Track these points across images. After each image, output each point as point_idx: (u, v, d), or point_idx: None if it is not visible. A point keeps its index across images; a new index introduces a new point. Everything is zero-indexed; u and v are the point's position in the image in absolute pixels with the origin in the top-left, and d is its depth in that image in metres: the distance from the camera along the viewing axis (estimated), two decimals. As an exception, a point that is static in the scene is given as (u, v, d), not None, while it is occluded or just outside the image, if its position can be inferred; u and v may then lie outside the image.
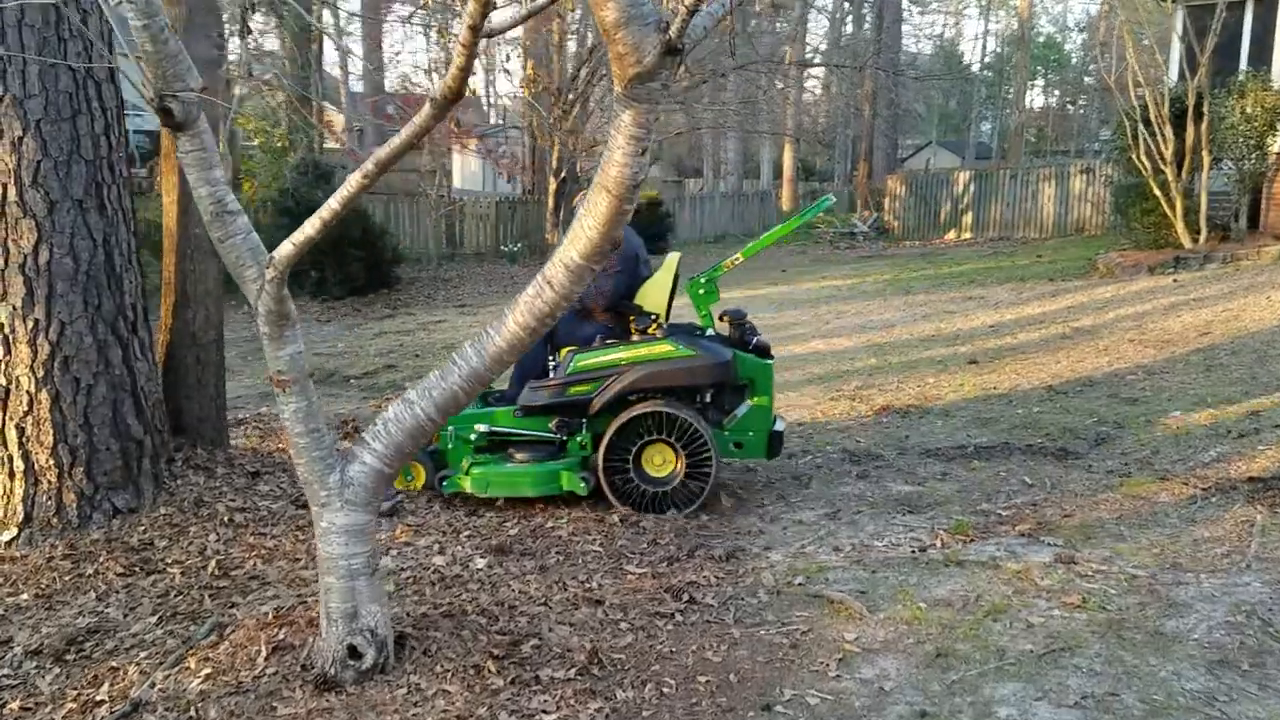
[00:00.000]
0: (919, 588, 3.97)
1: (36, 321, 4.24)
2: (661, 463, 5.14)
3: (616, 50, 2.67)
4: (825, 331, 10.53)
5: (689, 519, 4.90)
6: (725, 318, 5.61)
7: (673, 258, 5.65)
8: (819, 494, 5.31)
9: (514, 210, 21.36)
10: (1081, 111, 54.07)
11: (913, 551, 4.37)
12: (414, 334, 12.27)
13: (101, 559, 4.12)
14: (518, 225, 21.05)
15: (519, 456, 5.12)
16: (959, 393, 7.37)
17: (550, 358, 5.33)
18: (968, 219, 22.40)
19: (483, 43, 2.85)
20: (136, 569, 4.08)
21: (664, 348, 5.11)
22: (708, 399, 5.30)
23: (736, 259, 5.65)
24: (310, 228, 3.12)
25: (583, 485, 5.01)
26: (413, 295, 15.62)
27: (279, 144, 16.94)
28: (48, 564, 4.11)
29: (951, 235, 22.47)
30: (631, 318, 5.30)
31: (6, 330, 4.21)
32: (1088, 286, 12.01)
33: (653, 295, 5.40)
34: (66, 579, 4.01)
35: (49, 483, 4.29)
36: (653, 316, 5.32)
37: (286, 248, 3.16)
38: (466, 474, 5.06)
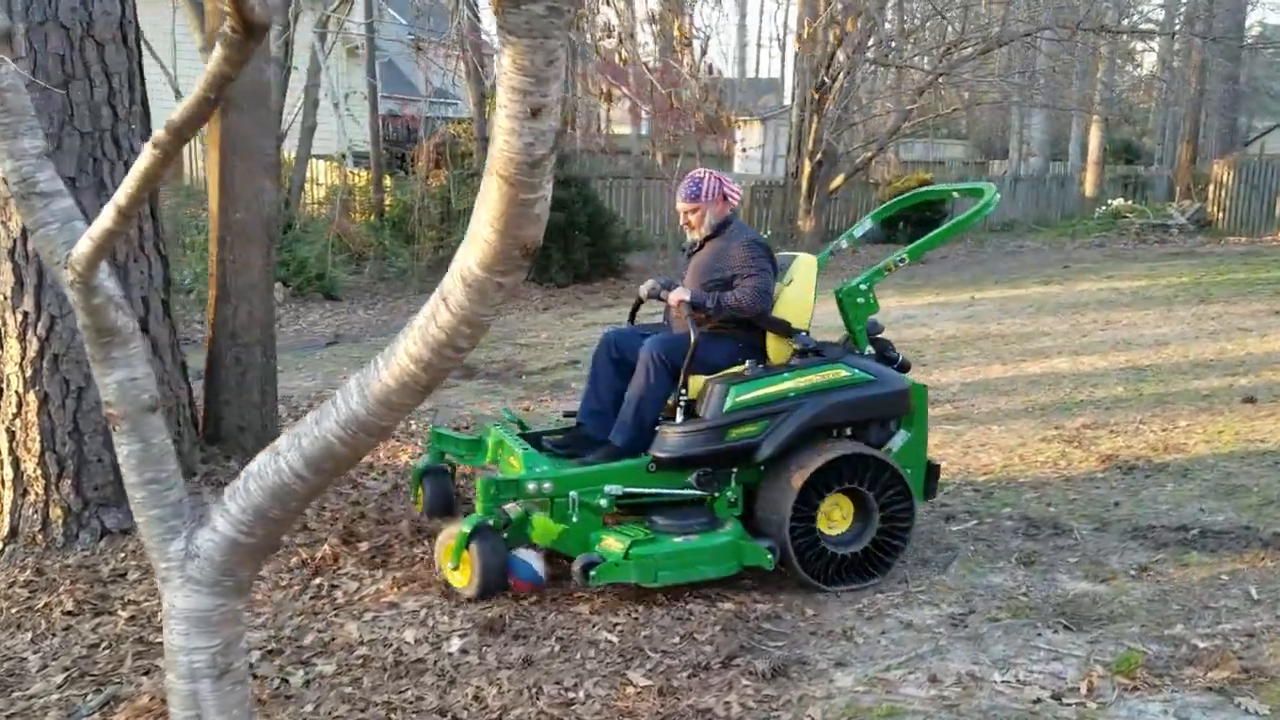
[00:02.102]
0: (1020, 764, 2.71)
1: (26, 314, 3.86)
2: (841, 519, 4.11)
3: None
4: (1077, 347, 8.77)
5: (748, 609, 3.81)
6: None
7: (808, 261, 4.51)
8: (955, 583, 4.03)
9: (769, 195, 20.28)
10: None
11: (1036, 700, 3.06)
12: (620, 328, 11.63)
13: (60, 590, 3.68)
14: (773, 211, 19.95)
15: (663, 524, 3.93)
16: (1213, 443, 5.64)
17: (680, 390, 4.13)
18: (1310, 213, 18.81)
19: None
20: (87, 607, 3.60)
21: (838, 373, 4.17)
22: (848, 433, 4.24)
23: (902, 259, 4.56)
24: (107, 219, 2.38)
25: (769, 558, 3.90)
26: (641, 286, 15.03)
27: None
28: (7, 589, 3.73)
29: (1289, 231, 18.98)
30: (786, 338, 4.25)
31: (-3, 322, 3.87)
32: None
33: (795, 307, 4.34)
34: (14, 611, 3.60)
35: (36, 494, 3.92)
36: (806, 333, 4.28)
37: (84, 244, 2.44)
38: (626, 558, 3.74)
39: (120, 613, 3.57)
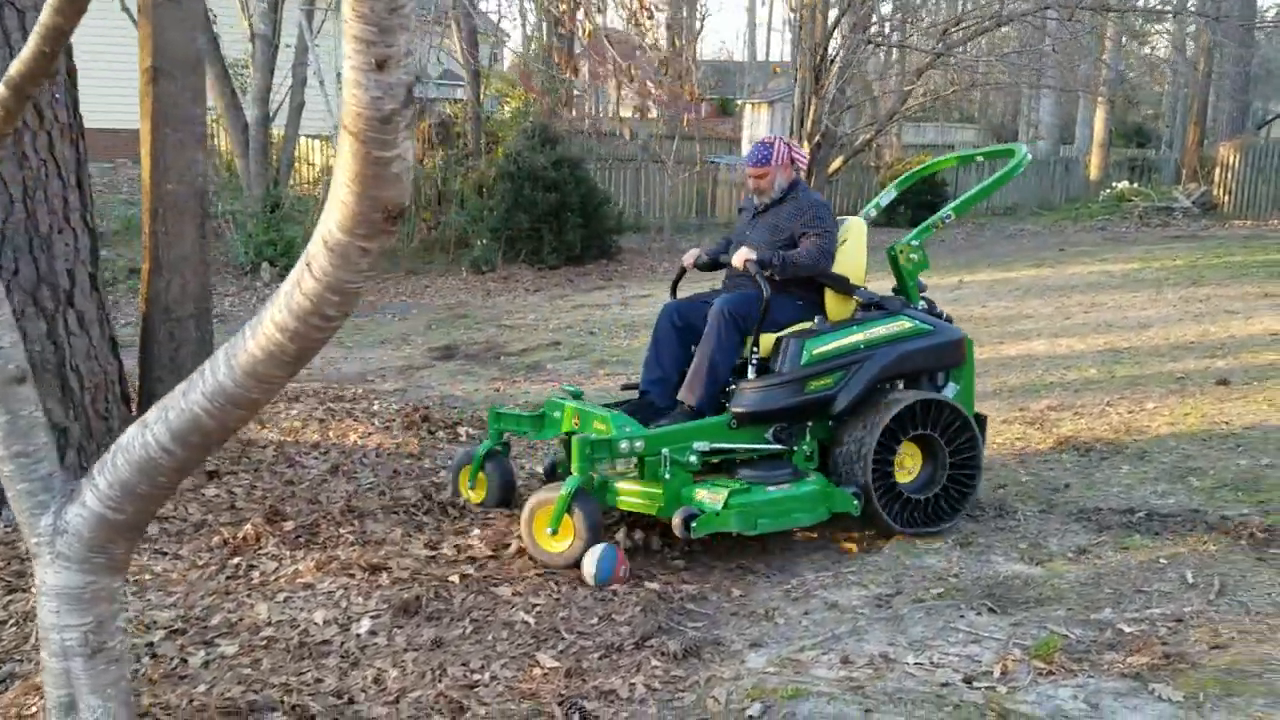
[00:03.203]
0: (916, 749, 2.64)
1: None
2: (911, 465, 4.30)
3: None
4: (1059, 329, 8.65)
5: (674, 590, 3.75)
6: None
7: (858, 224, 4.73)
8: (888, 564, 3.95)
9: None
10: None
11: (945, 684, 2.98)
12: (609, 309, 11.56)
13: (-23, 567, 3.64)
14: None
15: (751, 476, 4.01)
16: (1177, 426, 5.53)
17: (753, 348, 4.28)
18: (1317, 196, 18.54)
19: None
20: (1, 585, 3.57)
21: (903, 325, 4.39)
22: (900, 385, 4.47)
23: (949, 215, 4.85)
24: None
25: (855, 504, 4.05)
26: (633, 267, 14.93)
27: (518, 105, 16.83)
28: (-76, 565, 3.69)
29: (1295, 214, 18.73)
30: (846, 294, 4.45)
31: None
32: None
33: (851, 265, 4.55)
34: (-72, 587, 3.57)
35: (-44, 472, 3.87)
36: (863, 288, 4.50)
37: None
38: (726, 507, 3.79)
39: (34, 590, 3.52)
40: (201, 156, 4.53)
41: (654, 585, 3.77)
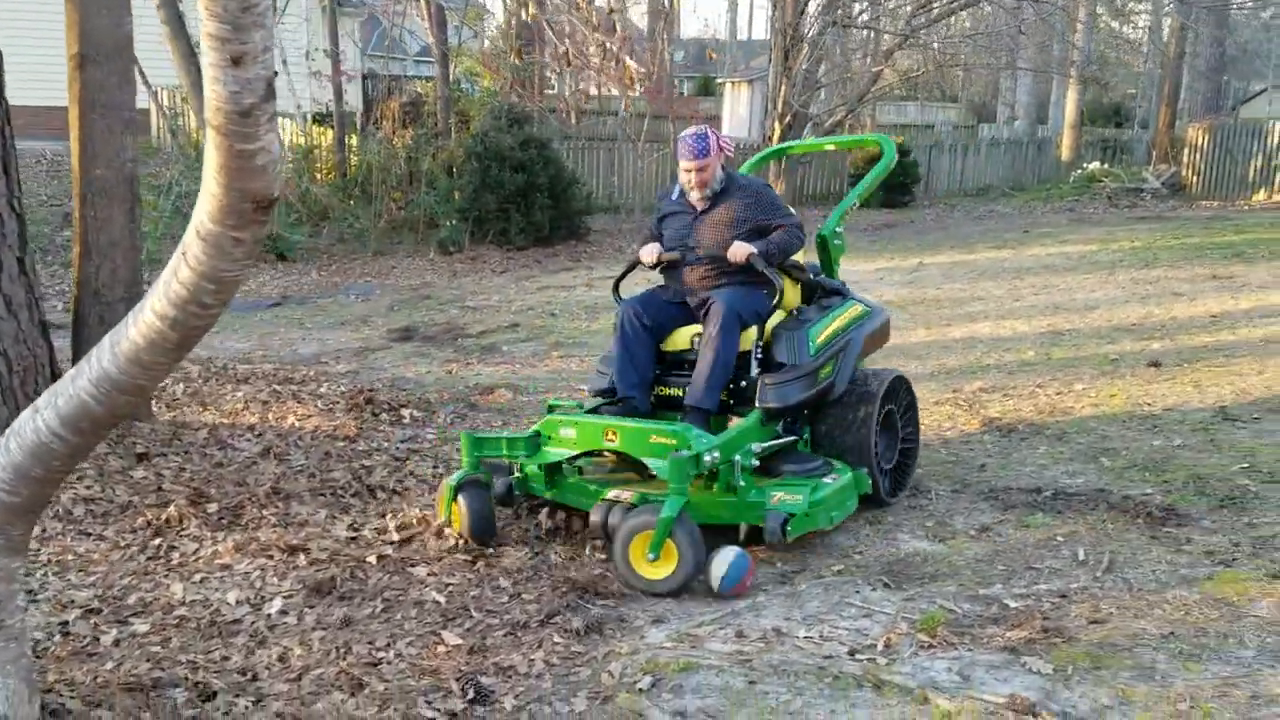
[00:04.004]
0: (789, 719, 2.76)
1: None
2: (882, 442, 4.41)
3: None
4: (1006, 311, 8.78)
5: (589, 570, 3.85)
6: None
7: None
8: (797, 542, 4.05)
9: (746, 157, 20.16)
10: None
11: (829, 656, 3.11)
12: (574, 290, 11.62)
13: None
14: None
15: (793, 470, 4.01)
16: (1100, 407, 5.66)
17: (757, 343, 4.22)
18: (1282, 177, 18.71)
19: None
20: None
21: (858, 308, 4.53)
22: None
23: (854, 203, 5.01)
24: None
25: (869, 484, 4.18)
26: (602, 248, 14.98)
27: (489, 85, 16.79)
28: None
29: (1261, 195, 18.89)
30: (802, 281, 4.52)
31: None
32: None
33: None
34: None
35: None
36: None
37: None
38: (812, 506, 3.75)
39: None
40: (131, 141, 4.58)
41: (569, 566, 3.87)
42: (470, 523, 3.93)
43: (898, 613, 3.39)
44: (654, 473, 3.90)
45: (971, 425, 5.50)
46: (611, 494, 3.90)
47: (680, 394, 4.27)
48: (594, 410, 4.33)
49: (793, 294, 4.48)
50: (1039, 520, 4.10)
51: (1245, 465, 4.47)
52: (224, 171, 2.21)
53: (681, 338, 4.35)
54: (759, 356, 4.21)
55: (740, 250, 4.22)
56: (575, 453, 4.08)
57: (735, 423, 4.09)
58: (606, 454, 4.27)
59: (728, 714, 2.83)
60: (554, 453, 4.08)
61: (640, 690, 2.96)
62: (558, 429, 4.09)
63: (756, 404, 4.11)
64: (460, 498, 3.94)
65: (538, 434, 4.12)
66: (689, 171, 4.32)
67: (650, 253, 4.44)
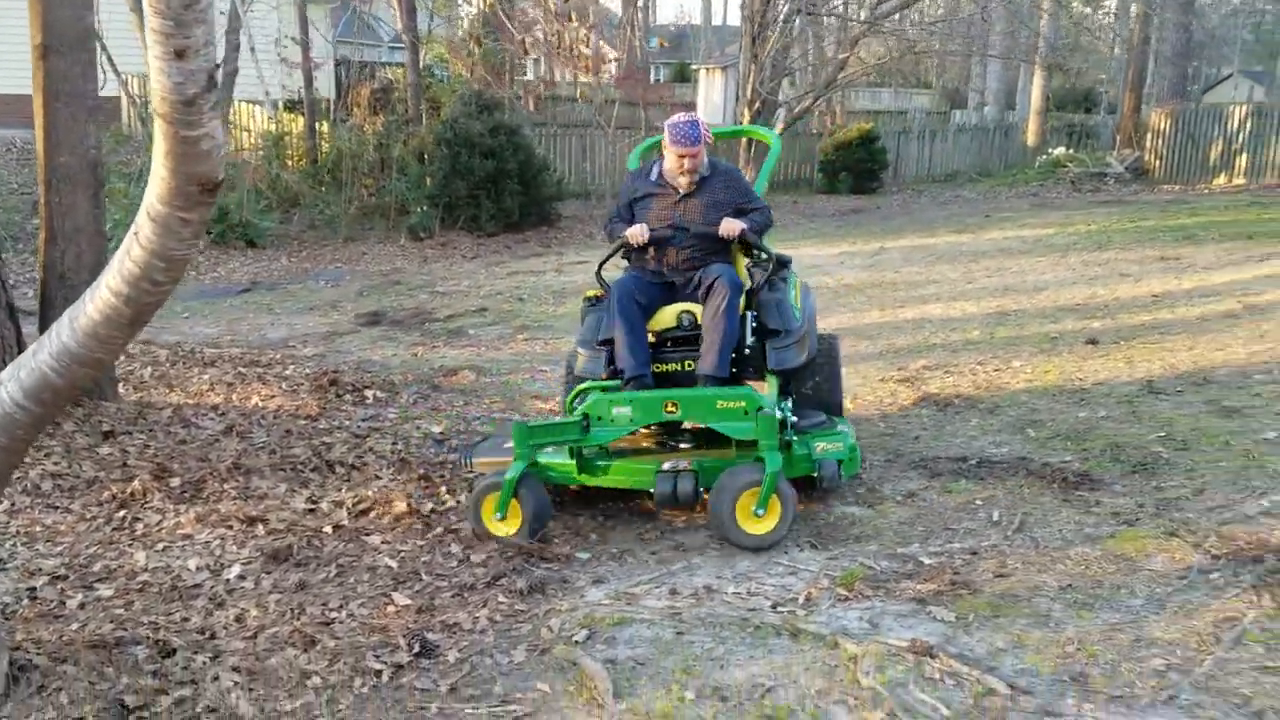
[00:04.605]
0: (712, 665, 2.99)
1: None
2: None
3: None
4: (958, 293, 9.03)
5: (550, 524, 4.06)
6: None
7: None
8: (735, 508, 4.29)
9: (717, 144, 20.32)
10: None
11: (753, 609, 3.33)
12: (543, 276, 11.80)
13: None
14: (723, 159, 20.00)
15: (808, 425, 4.33)
16: (1034, 383, 5.91)
17: (753, 312, 4.45)
18: (1242, 162, 19.06)
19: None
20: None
21: (799, 280, 4.78)
22: None
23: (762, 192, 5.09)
24: None
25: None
26: (572, 234, 15.16)
27: (460, 72, 16.89)
28: None
29: (1221, 180, 19.24)
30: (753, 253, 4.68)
31: None
32: (1324, 249, 9.66)
33: None
34: None
35: None
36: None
37: None
38: (851, 451, 4.17)
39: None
40: (94, 129, 4.74)
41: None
42: (533, 517, 3.96)
43: (821, 570, 3.62)
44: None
45: (911, 400, 5.74)
46: (668, 464, 4.05)
47: (674, 369, 4.42)
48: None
49: (740, 267, 4.69)
50: (962, 486, 4.34)
51: (1162, 434, 4.73)
52: (170, 157, 2.41)
53: (667, 315, 4.49)
54: (754, 325, 4.42)
55: (734, 226, 4.46)
56: (633, 430, 4.21)
57: (764, 387, 4.31)
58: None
59: (655, 661, 3.05)
60: (607, 433, 4.12)
61: (576, 642, 3.17)
62: (610, 408, 4.09)
63: (770, 368, 4.33)
64: (522, 492, 3.95)
65: (586, 416, 4.10)
66: (683, 157, 4.47)
67: (640, 233, 4.52)
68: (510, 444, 4.14)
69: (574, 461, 4.17)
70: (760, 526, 3.85)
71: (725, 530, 3.87)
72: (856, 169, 20.33)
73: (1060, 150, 22.73)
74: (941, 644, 2.99)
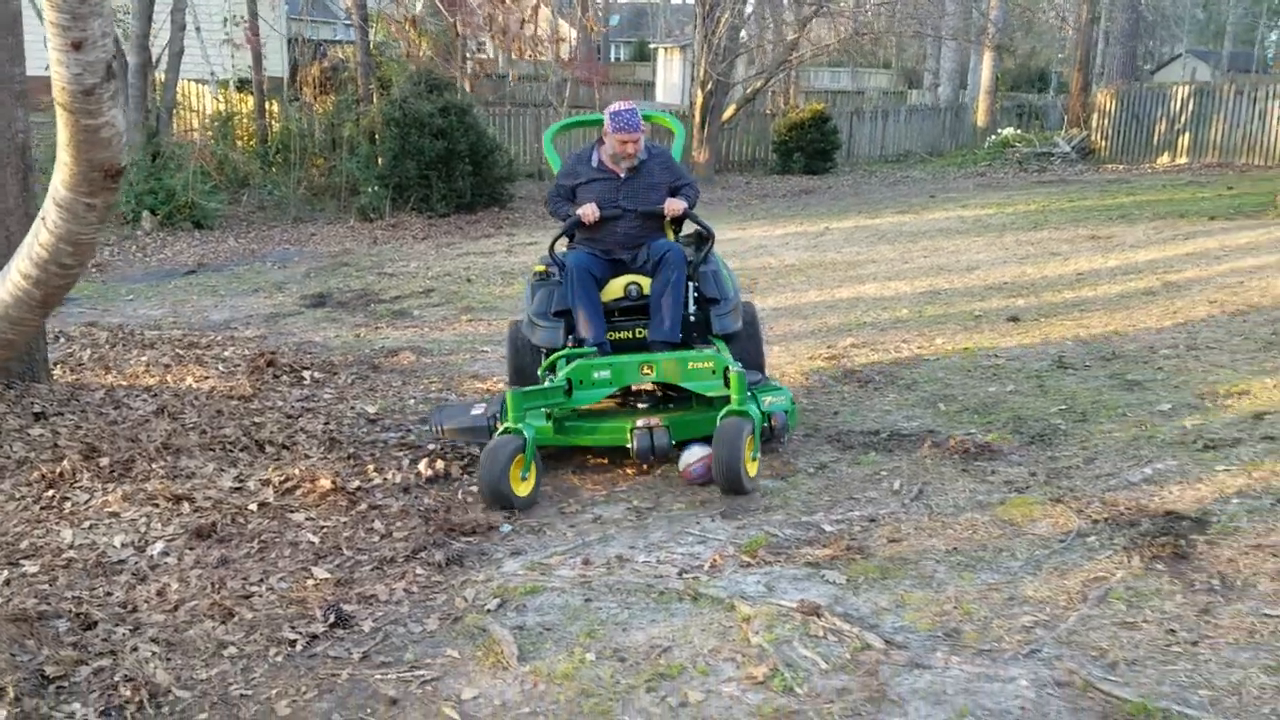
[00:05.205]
0: (615, 629, 3.15)
1: None
2: None
3: None
4: (894, 273, 9.24)
5: (463, 512, 4.19)
6: None
7: None
8: (655, 482, 4.45)
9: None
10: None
11: (659, 575, 3.49)
12: (493, 257, 11.87)
13: None
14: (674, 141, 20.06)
15: (753, 381, 4.65)
16: (953, 359, 6.11)
17: (694, 282, 4.88)
18: (1184, 141, 19.46)
19: None
20: None
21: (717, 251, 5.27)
22: None
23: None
24: None
25: None
26: (525, 215, 15.21)
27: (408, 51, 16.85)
28: None
29: (1165, 159, 19.64)
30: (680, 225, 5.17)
31: None
32: (1242, 229, 9.96)
33: None
34: None
35: None
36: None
37: None
38: (792, 403, 4.66)
39: None
40: (22, 113, 4.78)
41: (445, 508, 4.20)
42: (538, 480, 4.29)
43: (729, 539, 3.79)
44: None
45: (835, 377, 5.92)
46: (641, 422, 4.42)
47: (625, 336, 4.87)
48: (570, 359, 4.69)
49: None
50: (871, 458, 4.53)
51: (1063, 407, 4.95)
52: (73, 145, 2.51)
53: (616, 287, 4.90)
54: (696, 295, 4.85)
55: (678, 205, 4.90)
56: (612, 391, 4.59)
57: (719, 350, 4.73)
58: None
59: (563, 626, 3.20)
60: (587, 396, 4.51)
61: (487, 611, 3.32)
62: (590, 372, 4.50)
63: (714, 333, 4.83)
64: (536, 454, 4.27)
65: (569, 380, 4.48)
66: (625, 143, 4.87)
67: (592, 212, 4.86)
68: (476, 410, 4.67)
69: (550, 425, 4.55)
70: (754, 470, 4.28)
71: (735, 479, 4.13)
72: (809, 149, 20.51)
73: (1009, 130, 23.06)
74: (830, 604, 3.17)
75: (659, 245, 4.85)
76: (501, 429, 4.30)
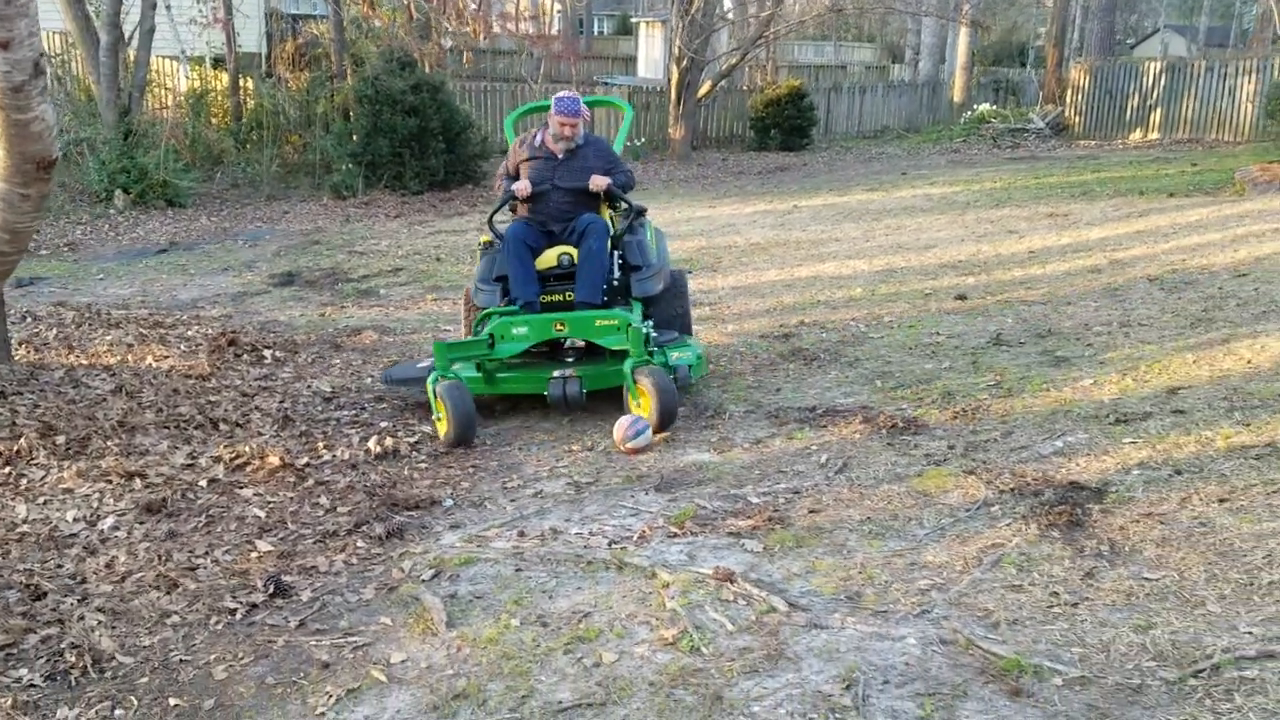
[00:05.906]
0: (542, 596, 3.32)
1: None
2: None
3: None
4: (854, 251, 9.40)
5: (409, 488, 4.35)
6: None
7: None
8: (597, 458, 4.63)
9: (649, 101, 20.47)
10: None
11: (588, 547, 3.67)
12: (464, 235, 11.96)
13: None
14: (651, 118, 20.15)
15: (664, 340, 5.35)
16: (897, 337, 6.29)
17: (619, 250, 5.49)
18: (1156, 117, 19.63)
19: None
20: None
21: (652, 225, 5.89)
22: None
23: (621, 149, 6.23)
24: None
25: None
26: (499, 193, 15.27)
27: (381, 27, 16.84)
28: None
29: (1137, 135, 19.82)
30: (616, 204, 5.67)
31: None
32: (1196, 206, 10.15)
33: None
34: None
35: None
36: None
37: None
38: (698, 358, 5.33)
39: None
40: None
41: (391, 484, 4.36)
42: (456, 423, 4.77)
43: (660, 511, 3.96)
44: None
45: (783, 354, 6.09)
46: (557, 373, 5.01)
47: (557, 299, 5.37)
48: (503, 313, 5.27)
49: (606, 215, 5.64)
50: (804, 434, 4.71)
51: (992, 383, 5.13)
52: (5, 139, 2.64)
53: (549, 256, 5.41)
54: (620, 262, 5.43)
55: (601, 181, 5.40)
56: (530, 344, 5.13)
57: (631, 310, 5.28)
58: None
59: (493, 595, 3.37)
60: (508, 348, 5.08)
61: (422, 581, 3.49)
62: (510, 328, 5.09)
63: (633, 295, 5.38)
64: (446, 400, 4.73)
65: (491, 335, 5.08)
66: (564, 125, 5.42)
67: (524, 186, 5.45)
68: (423, 364, 5.33)
69: (480, 375, 5.15)
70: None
71: (674, 413, 4.77)
72: (786, 126, 20.58)
73: (985, 106, 23.19)
74: (744, 571, 3.35)
75: (584, 218, 5.37)
76: (433, 376, 4.86)
